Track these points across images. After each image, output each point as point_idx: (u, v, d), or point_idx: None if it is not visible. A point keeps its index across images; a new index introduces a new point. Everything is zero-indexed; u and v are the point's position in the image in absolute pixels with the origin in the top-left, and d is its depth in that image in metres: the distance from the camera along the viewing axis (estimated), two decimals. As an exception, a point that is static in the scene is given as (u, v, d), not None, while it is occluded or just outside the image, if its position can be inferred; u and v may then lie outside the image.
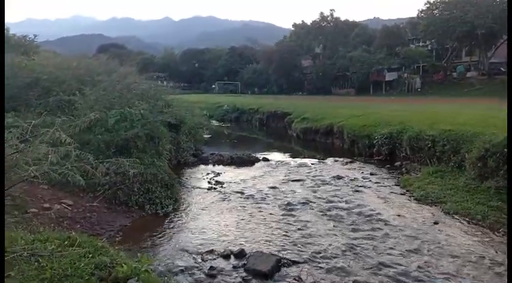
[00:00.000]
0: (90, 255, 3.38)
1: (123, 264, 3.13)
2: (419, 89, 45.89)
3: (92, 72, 12.15)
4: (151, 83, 13.34)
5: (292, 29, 70.08)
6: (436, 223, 6.90)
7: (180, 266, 5.16)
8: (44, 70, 10.61)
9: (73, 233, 3.94)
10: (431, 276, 4.93)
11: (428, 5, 45.13)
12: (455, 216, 7.21)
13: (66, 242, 3.51)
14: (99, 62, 14.90)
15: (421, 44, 52.92)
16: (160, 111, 11.15)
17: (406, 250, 5.74)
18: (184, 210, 7.79)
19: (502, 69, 44.27)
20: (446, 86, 43.44)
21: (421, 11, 46.24)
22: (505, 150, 7.61)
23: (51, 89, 10.23)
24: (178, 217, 7.33)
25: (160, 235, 6.37)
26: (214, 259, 5.43)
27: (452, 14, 41.00)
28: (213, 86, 67.84)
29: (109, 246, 4.00)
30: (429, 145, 10.50)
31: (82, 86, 10.23)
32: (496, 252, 5.63)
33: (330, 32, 58.79)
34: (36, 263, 2.89)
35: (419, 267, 5.18)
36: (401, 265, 5.24)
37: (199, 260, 5.38)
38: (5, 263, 2.56)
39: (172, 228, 6.76)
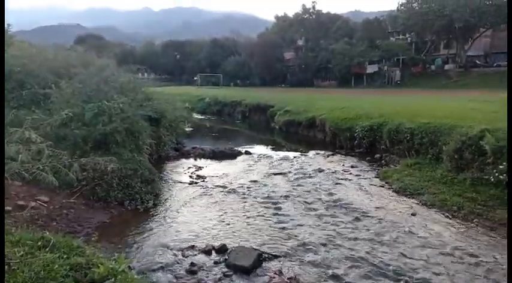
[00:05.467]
0: (65, 256, 3.28)
1: (100, 265, 3.05)
2: (399, 82, 46.67)
3: (68, 64, 11.78)
4: (131, 76, 13.06)
5: (275, 21, 69.86)
6: (413, 214, 7.05)
7: (160, 263, 5.10)
8: (17, 62, 10.20)
9: (47, 233, 3.81)
10: (408, 267, 5.04)
11: (407, -2, 45.74)
12: (432, 208, 7.38)
13: (39, 243, 3.40)
14: (76, 53, 14.45)
15: (400, 37, 53.60)
16: (140, 104, 10.91)
17: (384, 242, 5.85)
18: (165, 205, 7.71)
19: (478, 62, 45.50)
20: (424, 78, 44.26)
21: (401, 5, 46.83)
22: (480, 142, 7.84)
23: (25, 81, 9.88)
24: (158, 212, 7.25)
25: (140, 232, 6.27)
26: (195, 255, 5.39)
27: (430, 7, 41.70)
28: (195, 78, 66.91)
29: (85, 245, 3.90)
30: (408, 137, 10.69)
31: (58, 79, 9.91)
32: (469, 243, 5.80)
33: (312, 25, 59.00)
34: (6, 266, 2.78)
35: (397, 258, 5.30)
36: (379, 256, 5.34)
37: (180, 256, 5.34)
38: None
39: (152, 224, 6.67)
